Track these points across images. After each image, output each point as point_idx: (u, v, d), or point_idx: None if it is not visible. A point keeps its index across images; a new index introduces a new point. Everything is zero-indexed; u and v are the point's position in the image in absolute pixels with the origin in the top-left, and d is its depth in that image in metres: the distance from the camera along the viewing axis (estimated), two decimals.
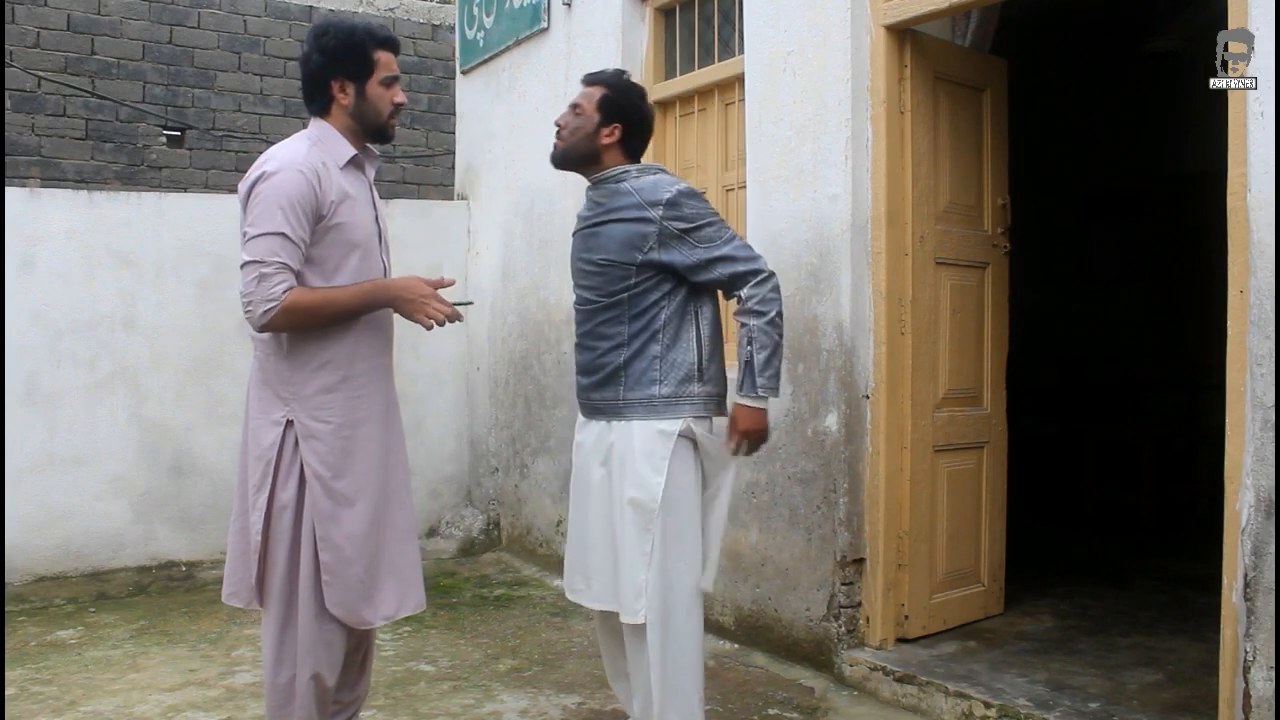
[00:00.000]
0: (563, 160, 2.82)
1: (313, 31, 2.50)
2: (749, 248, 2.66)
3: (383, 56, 2.48)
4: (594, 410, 2.73)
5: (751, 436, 2.66)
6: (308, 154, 2.39)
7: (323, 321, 2.37)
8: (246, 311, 2.33)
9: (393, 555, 2.51)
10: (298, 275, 2.36)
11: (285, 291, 2.31)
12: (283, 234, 2.31)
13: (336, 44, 2.44)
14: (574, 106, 2.76)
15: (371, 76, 2.47)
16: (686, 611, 2.63)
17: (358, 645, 2.63)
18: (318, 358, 2.40)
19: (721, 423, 2.73)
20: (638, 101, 2.78)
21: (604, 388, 2.68)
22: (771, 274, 2.64)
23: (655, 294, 2.63)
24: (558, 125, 2.79)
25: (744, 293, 2.61)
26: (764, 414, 2.65)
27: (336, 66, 2.45)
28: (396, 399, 2.64)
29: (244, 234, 2.36)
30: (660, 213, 2.60)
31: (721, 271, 2.61)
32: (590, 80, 2.80)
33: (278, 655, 2.46)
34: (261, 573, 2.46)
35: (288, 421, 2.40)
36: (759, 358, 2.60)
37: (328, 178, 2.39)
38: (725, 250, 2.61)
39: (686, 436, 2.62)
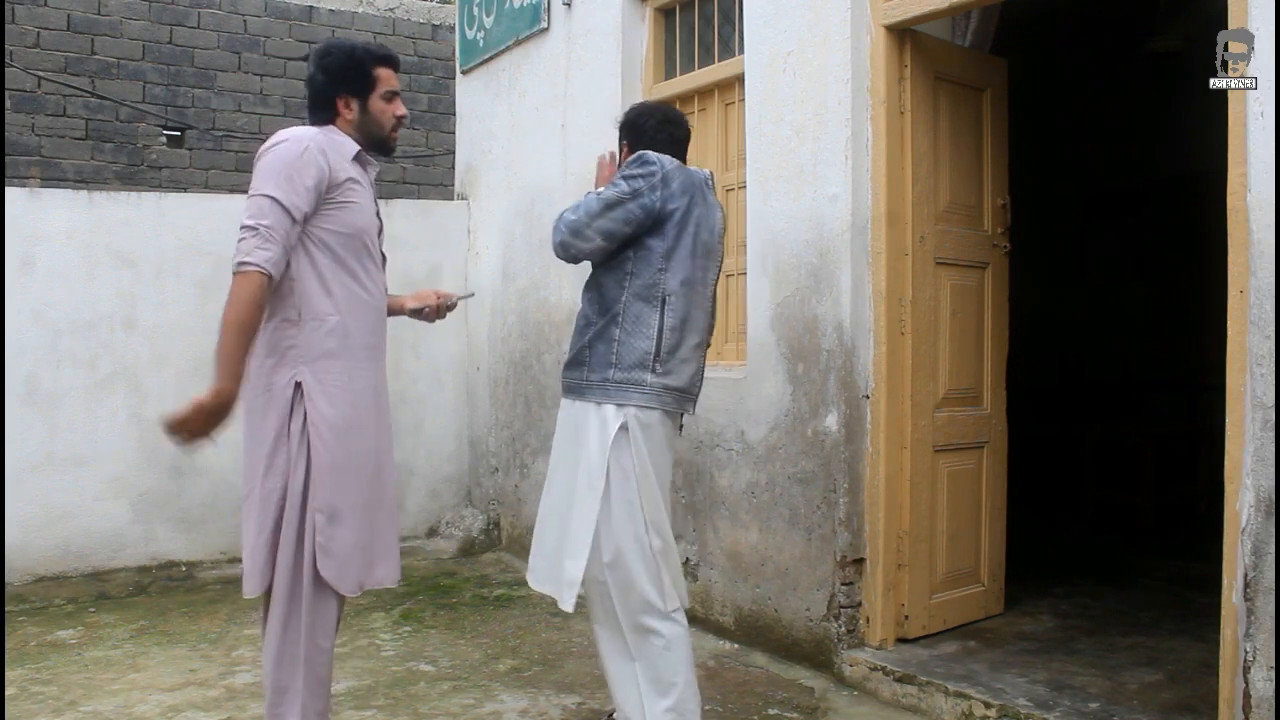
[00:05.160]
0: None
1: (315, 53, 2.63)
2: (589, 209, 2.65)
3: (383, 73, 2.61)
4: (565, 388, 2.80)
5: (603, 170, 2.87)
6: (318, 134, 2.51)
7: (232, 322, 2.38)
8: (235, 251, 2.41)
9: (379, 527, 2.58)
10: (304, 249, 2.46)
11: (264, 261, 2.36)
12: (273, 198, 2.38)
13: (339, 63, 2.58)
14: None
15: (373, 92, 2.60)
16: (645, 604, 2.64)
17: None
18: (326, 323, 2.49)
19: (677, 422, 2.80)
20: (627, 116, 2.91)
21: (573, 367, 2.76)
22: (557, 228, 2.69)
23: (618, 272, 2.70)
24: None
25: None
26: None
27: (340, 84, 2.58)
28: (385, 383, 2.70)
29: (251, 190, 2.46)
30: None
31: None
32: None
33: (280, 648, 2.49)
34: (272, 557, 2.49)
35: (296, 384, 2.46)
36: (590, 205, 2.68)
37: (337, 157, 2.51)
38: (586, 196, 2.69)
39: (627, 429, 2.65)
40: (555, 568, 2.72)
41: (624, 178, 2.66)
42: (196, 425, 2.35)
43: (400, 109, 2.66)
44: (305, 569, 2.46)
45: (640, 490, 2.65)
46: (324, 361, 2.48)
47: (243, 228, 2.40)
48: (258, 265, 2.36)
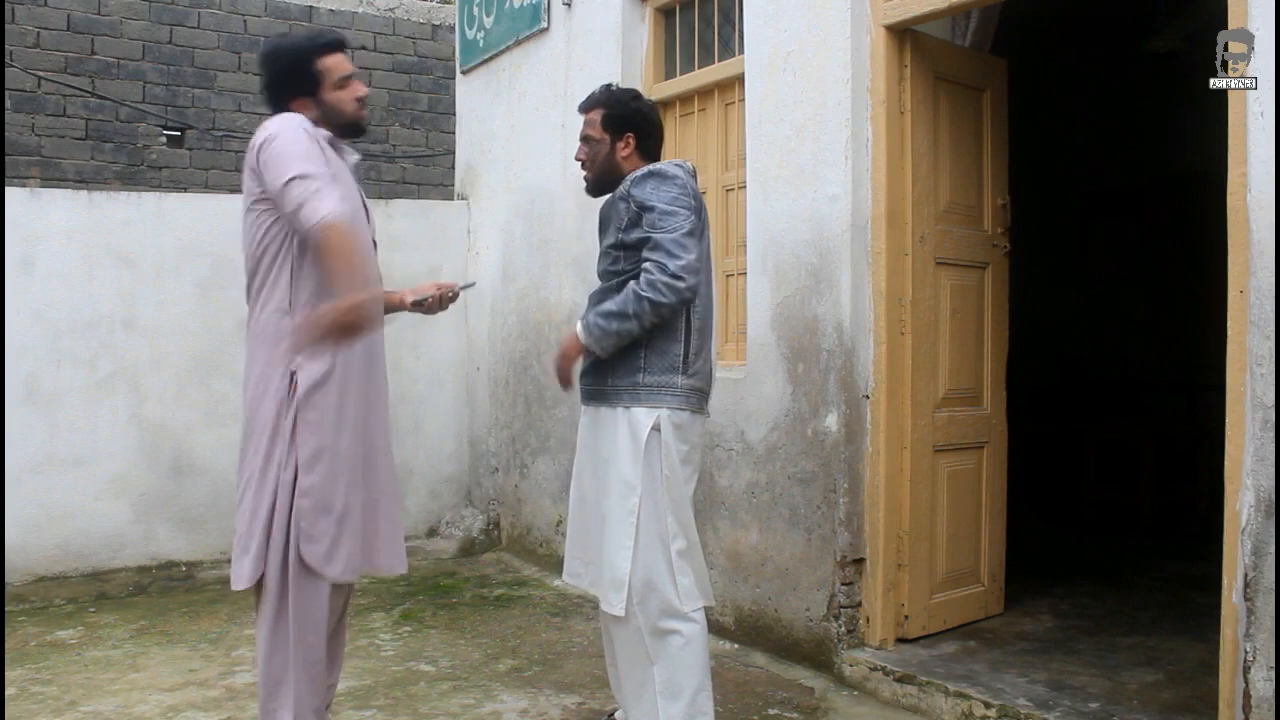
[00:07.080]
0: (597, 188, 2.88)
1: (261, 58, 2.62)
2: (683, 247, 2.56)
3: (329, 62, 2.58)
4: (587, 395, 2.80)
5: (561, 356, 2.74)
6: (303, 119, 2.50)
7: (346, 258, 2.30)
8: (303, 222, 2.33)
9: (370, 515, 2.58)
10: (293, 239, 2.45)
11: (333, 209, 2.30)
12: (305, 174, 2.34)
13: (281, 67, 2.58)
14: (585, 138, 2.84)
15: (322, 87, 2.58)
16: (666, 606, 2.63)
17: (332, 633, 2.65)
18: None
19: (698, 421, 2.77)
20: (634, 104, 2.85)
21: (594, 373, 2.75)
22: (679, 278, 2.54)
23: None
24: (579, 160, 2.87)
25: (646, 265, 2.58)
26: (577, 343, 2.68)
27: (289, 87, 2.58)
28: (383, 368, 2.68)
29: (275, 186, 2.37)
30: (628, 187, 2.68)
31: (648, 254, 2.58)
32: (586, 107, 2.87)
33: (271, 643, 2.50)
34: (265, 547, 2.48)
35: (291, 374, 2.46)
36: (607, 306, 2.62)
37: (321, 142, 2.50)
38: (658, 235, 2.57)
39: (658, 431, 2.64)
40: (600, 572, 2.72)
41: (668, 203, 2.61)
42: (348, 322, 2.28)
43: (358, 90, 2.62)
44: (292, 559, 2.46)
45: (668, 491, 2.64)
46: (315, 351, 2.46)
47: (291, 199, 2.32)
48: (329, 213, 2.29)
